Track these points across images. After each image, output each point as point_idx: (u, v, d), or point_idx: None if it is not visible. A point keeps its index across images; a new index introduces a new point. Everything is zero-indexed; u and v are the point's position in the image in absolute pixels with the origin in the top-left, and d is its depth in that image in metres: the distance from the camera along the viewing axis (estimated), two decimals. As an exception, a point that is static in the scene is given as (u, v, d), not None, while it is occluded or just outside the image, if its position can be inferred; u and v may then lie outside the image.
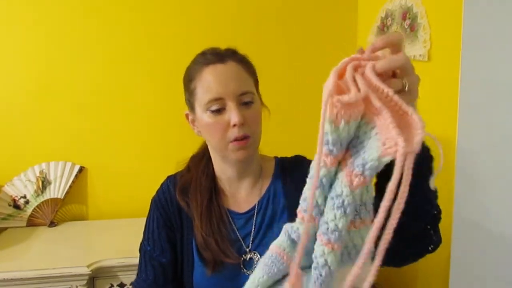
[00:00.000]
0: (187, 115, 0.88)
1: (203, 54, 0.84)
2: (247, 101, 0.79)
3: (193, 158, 0.93)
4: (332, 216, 0.44)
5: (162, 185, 0.90)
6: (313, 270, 0.45)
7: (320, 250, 0.44)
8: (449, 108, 1.19)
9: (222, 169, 0.88)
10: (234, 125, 0.76)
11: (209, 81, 0.78)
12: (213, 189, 0.87)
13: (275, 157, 0.97)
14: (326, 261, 0.44)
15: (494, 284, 1.03)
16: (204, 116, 0.79)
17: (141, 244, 0.88)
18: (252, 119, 0.79)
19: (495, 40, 1.00)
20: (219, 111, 0.77)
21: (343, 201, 0.44)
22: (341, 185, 0.44)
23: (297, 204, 0.87)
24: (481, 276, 1.07)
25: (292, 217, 0.83)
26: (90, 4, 1.70)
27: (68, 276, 1.23)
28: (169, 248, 0.84)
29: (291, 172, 0.89)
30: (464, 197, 1.13)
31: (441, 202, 1.29)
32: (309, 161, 0.95)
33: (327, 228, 0.44)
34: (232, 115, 0.76)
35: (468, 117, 1.11)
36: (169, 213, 0.86)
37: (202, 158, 0.91)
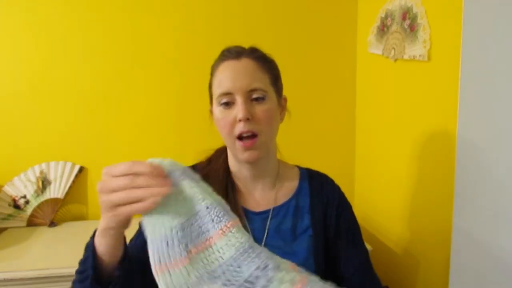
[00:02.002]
0: (210, 111, 0.89)
1: (225, 50, 0.85)
2: (257, 97, 0.78)
3: (217, 151, 0.94)
4: None
5: None
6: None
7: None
8: (449, 108, 1.19)
9: (237, 168, 0.88)
10: (240, 120, 0.77)
11: (222, 76, 0.80)
12: (229, 184, 0.86)
13: (298, 167, 0.96)
14: None
15: (495, 284, 1.03)
16: (216, 110, 0.81)
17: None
18: (262, 116, 0.78)
19: (495, 40, 1.00)
20: (228, 105, 0.79)
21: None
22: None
23: (320, 225, 0.86)
24: (481, 275, 1.07)
25: (316, 236, 0.83)
26: (90, 3, 1.70)
27: (68, 276, 1.23)
28: None
29: (320, 192, 0.89)
30: (464, 196, 1.13)
31: (441, 201, 1.29)
32: (336, 185, 0.93)
33: None
34: (238, 110, 0.77)
35: (468, 117, 1.11)
36: None
37: (222, 153, 0.92)
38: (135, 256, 0.67)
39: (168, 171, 0.49)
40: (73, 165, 1.72)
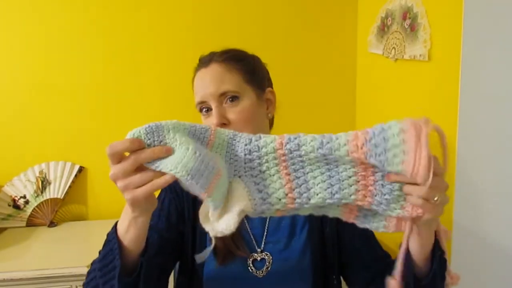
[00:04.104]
0: None
1: (200, 58, 0.88)
2: (230, 97, 0.79)
3: None
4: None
5: None
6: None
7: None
8: (449, 108, 1.19)
9: None
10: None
11: (196, 86, 0.84)
12: None
13: None
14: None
15: (495, 283, 1.03)
16: (201, 118, 0.84)
17: None
18: (237, 117, 0.79)
19: (495, 40, 1.00)
20: (208, 111, 0.82)
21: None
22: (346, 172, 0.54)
23: (317, 216, 0.87)
24: (482, 275, 1.07)
25: (312, 230, 0.83)
26: (90, 3, 1.70)
27: (68, 276, 1.23)
28: (175, 230, 0.83)
29: None
30: (464, 199, 1.13)
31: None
32: None
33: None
34: (213, 117, 0.79)
35: (468, 117, 1.11)
36: (182, 201, 0.86)
37: None
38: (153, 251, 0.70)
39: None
40: (73, 165, 1.72)
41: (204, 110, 0.82)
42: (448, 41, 1.21)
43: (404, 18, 1.43)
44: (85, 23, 1.70)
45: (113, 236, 0.62)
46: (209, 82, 0.80)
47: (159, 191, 0.90)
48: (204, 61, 0.84)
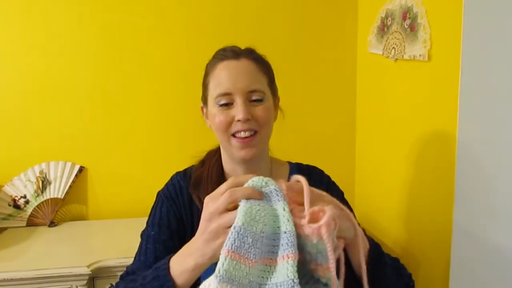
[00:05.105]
0: (202, 108, 0.90)
1: (222, 50, 0.86)
2: (256, 98, 0.79)
3: (209, 153, 0.94)
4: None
5: (171, 179, 0.91)
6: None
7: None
8: (449, 108, 1.19)
9: (231, 168, 0.88)
10: (238, 120, 0.78)
11: (221, 76, 0.80)
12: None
13: (289, 162, 0.96)
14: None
15: (495, 284, 1.03)
16: (213, 110, 0.81)
17: (143, 231, 0.87)
18: (260, 116, 0.79)
19: (495, 40, 1.00)
20: (227, 105, 0.79)
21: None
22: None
23: None
24: (482, 275, 1.07)
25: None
26: (91, 4, 1.70)
27: (68, 276, 1.23)
28: (176, 236, 0.83)
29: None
30: (464, 199, 1.13)
31: (441, 201, 1.28)
32: (325, 175, 0.95)
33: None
34: (238, 110, 0.77)
35: (468, 117, 1.11)
36: (179, 206, 0.86)
37: (215, 154, 0.92)
38: None
39: (269, 190, 0.56)
40: (73, 165, 1.72)
41: (222, 102, 0.79)
42: (448, 41, 1.21)
43: (404, 18, 1.43)
44: (86, 23, 1.70)
45: (164, 273, 0.63)
46: (241, 76, 0.79)
47: (154, 199, 0.90)
48: (232, 53, 0.82)
